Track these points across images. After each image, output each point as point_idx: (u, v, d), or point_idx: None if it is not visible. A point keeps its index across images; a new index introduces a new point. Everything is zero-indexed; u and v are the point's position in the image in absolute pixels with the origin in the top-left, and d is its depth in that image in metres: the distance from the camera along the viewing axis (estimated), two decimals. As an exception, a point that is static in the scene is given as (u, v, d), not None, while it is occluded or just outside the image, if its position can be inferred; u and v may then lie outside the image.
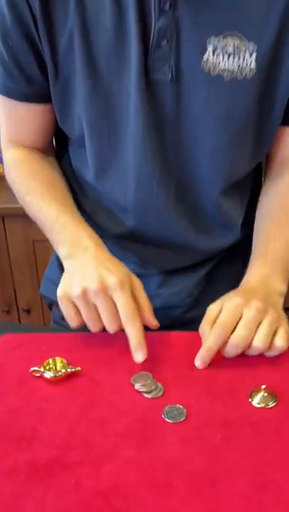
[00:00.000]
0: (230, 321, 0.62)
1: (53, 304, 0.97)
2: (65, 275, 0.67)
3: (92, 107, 0.69)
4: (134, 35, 0.64)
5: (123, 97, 0.68)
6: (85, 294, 0.62)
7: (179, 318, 0.91)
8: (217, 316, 0.65)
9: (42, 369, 0.62)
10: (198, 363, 0.63)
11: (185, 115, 0.69)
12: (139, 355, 0.61)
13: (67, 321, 0.66)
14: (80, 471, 0.49)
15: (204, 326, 0.65)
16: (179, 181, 0.75)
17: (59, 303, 0.65)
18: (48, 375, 0.62)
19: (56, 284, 0.94)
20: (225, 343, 0.62)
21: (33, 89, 0.72)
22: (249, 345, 0.62)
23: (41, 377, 0.62)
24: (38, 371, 0.62)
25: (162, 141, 0.71)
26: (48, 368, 0.63)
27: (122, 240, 0.82)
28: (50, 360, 0.64)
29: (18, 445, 0.52)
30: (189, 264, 0.87)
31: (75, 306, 0.64)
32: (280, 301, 0.68)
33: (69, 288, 0.63)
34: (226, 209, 0.80)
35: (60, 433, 0.54)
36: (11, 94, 0.73)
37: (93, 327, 0.64)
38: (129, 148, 0.71)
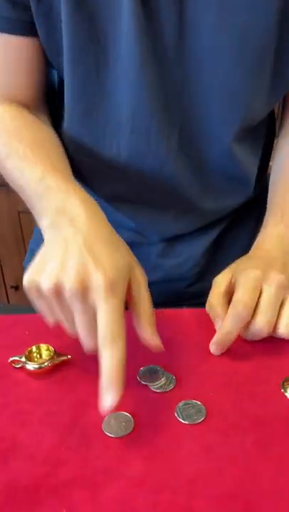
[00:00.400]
0: (250, 298, 0.50)
1: None
2: (39, 253, 0.48)
3: (75, 32, 0.55)
4: None
5: (113, 18, 0.54)
6: (57, 291, 0.43)
7: (182, 293, 0.79)
8: (227, 289, 0.53)
9: (24, 359, 0.50)
10: (214, 347, 0.52)
11: (191, 39, 0.55)
12: (108, 398, 0.40)
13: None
14: (73, 494, 0.38)
15: (214, 302, 0.54)
16: (183, 126, 0.62)
17: (27, 294, 0.47)
18: (31, 366, 0.50)
19: None
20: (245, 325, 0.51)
21: (18, 14, 0.57)
22: (273, 330, 0.50)
23: (23, 368, 0.50)
24: (18, 361, 0.51)
25: (162, 75, 0.57)
26: (31, 357, 0.51)
27: (115, 202, 0.70)
28: (34, 348, 0.52)
29: (-7, 461, 0.41)
30: (195, 229, 0.75)
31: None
32: None
33: (38, 276, 0.45)
34: (237, 160, 0.68)
35: (46, 443, 0.42)
36: None
37: (71, 330, 0.46)
38: (120, 85, 0.58)
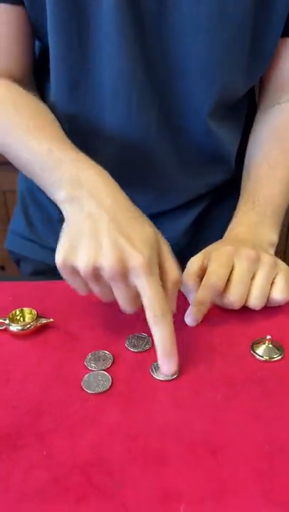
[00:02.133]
0: (222, 271, 0.53)
1: (20, 260, 0.87)
2: (65, 230, 0.48)
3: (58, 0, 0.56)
4: None
5: None
6: (95, 271, 0.45)
7: None
8: (201, 267, 0.56)
9: (7, 321, 0.53)
10: (189, 319, 0.53)
11: (170, 12, 0.57)
12: (169, 366, 0.45)
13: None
14: (53, 440, 0.40)
15: (186, 279, 0.56)
16: (162, 97, 0.64)
17: (60, 272, 0.48)
18: (15, 327, 0.52)
19: (23, 237, 0.84)
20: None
21: None
22: (245, 302, 0.54)
23: (6, 330, 0.53)
24: (2, 323, 0.53)
25: (142, 46, 0.59)
26: (14, 319, 0.54)
27: None
28: (18, 311, 0.54)
29: (-22, 411, 0.43)
30: (176, 206, 0.77)
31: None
32: (271, 251, 0.61)
33: (73, 256, 0.46)
34: (215, 137, 0.70)
35: (29, 396, 0.45)
36: None
37: (107, 300, 0.49)
38: (101, 53, 0.59)
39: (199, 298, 0.53)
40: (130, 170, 0.70)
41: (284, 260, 0.58)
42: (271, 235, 0.62)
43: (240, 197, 0.68)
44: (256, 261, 0.54)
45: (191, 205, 0.78)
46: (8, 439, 0.41)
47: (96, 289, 0.48)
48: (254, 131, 0.75)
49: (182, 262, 0.83)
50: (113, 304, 0.51)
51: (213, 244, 0.59)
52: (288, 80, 0.69)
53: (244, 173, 0.72)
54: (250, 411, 0.43)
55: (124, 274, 0.45)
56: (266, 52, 0.65)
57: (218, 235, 0.70)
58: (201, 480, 0.37)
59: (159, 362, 0.45)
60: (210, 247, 0.58)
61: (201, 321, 0.54)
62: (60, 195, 0.51)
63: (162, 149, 0.68)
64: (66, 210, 0.50)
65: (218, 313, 0.55)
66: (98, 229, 0.46)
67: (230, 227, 0.64)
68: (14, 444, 0.40)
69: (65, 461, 0.39)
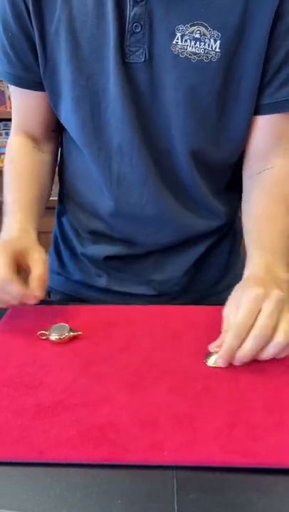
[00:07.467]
0: (247, 320, 0.62)
1: (50, 291, 1.05)
2: None
3: (76, 85, 0.78)
4: (112, 23, 0.73)
5: (103, 77, 0.77)
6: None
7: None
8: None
9: (48, 332, 0.71)
10: (221, 361, 0.64)
11: (158, 95, 0.77)
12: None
13: None
14: (79, 410, 0.57)
15: (228, 310, 0.67)
16: (155, 154, 0.82)
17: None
18: (53, 337, 0.70)
19: (53, 271, 1.03)
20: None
21: (30, 76, 0.83)
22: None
23: (47, 339, 0.70)
24: (44, 334, 0.71)
25: (139, 119, 0.79)
26: (53, 331, 0.71)
27: (111, 219, 0.90)
28: (56, 325, 0.72)
29: (27, 391, 0.61)
30: (176, 244, 0.92)
31: None
32: (285, 287, 0.67)
33: None
34: (204, 191, 0.87)
35: (63, 383, 0.62)
36: (12, 80, 0.85)
37: None
38: (110, 125, 0.80)
39: (227, 346, 0.63)
40: (135, 206, 0.87)
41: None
42: (284, 274, 0.70)
43: (247, 251, 0.77)
44: (284, 301, 0.62)
45: (189, 245, 0.93)
46: (48, 410, 0.58)
47: None
48: (247, 194, 0.88)
49: (180, 299, 0.95)
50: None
51: (240, 286, 0.68)
52: (269, 151, 0.85)
53: (244, 229, 0.84)
54: (222, 398, 0.59)
55: None
56: (234, 128, 0.81)
57: (213, 278, 0.84)
58: (180, 438, 0.53)
59: None
60: (238, 291, 0.67)
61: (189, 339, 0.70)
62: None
63: (159, 192, 0.85)
64: None
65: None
66: None
67: (249, 270, 0.72)
68: (52, 412, 0.57)
69: (87, 423, 0.55)
